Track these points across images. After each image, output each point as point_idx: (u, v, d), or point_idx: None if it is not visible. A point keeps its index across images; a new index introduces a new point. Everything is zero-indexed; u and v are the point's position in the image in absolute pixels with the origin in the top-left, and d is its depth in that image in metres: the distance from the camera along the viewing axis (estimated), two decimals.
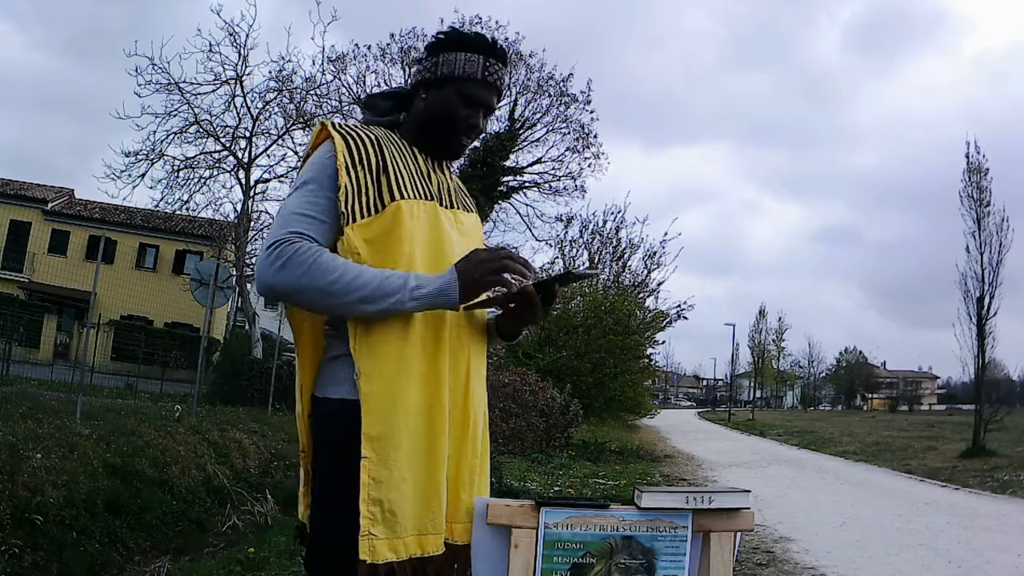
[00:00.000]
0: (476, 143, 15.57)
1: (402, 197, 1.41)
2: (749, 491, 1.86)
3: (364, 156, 1.40)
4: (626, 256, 22.19)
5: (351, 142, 1.41)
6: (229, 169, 15.46)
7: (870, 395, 73.80)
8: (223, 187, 17.78)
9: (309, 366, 1.48)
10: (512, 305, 1.46)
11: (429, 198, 1.47)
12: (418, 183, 1.46)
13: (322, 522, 1.38)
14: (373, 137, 1.45)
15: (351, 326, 1.36)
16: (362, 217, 1.37)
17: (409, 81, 1.60)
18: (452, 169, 1.64)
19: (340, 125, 1.45)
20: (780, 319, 67.65)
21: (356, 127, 1.47)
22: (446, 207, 1.52)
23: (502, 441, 10.36)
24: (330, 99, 16.00)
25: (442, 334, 1.42)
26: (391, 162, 1.43)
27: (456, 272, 1.35)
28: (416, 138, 1.54)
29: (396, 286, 1.31)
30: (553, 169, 18.79)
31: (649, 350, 20.17)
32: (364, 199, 1.38)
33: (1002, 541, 6.30)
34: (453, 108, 1.51)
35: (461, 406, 1.45)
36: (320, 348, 1.47)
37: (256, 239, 15.22)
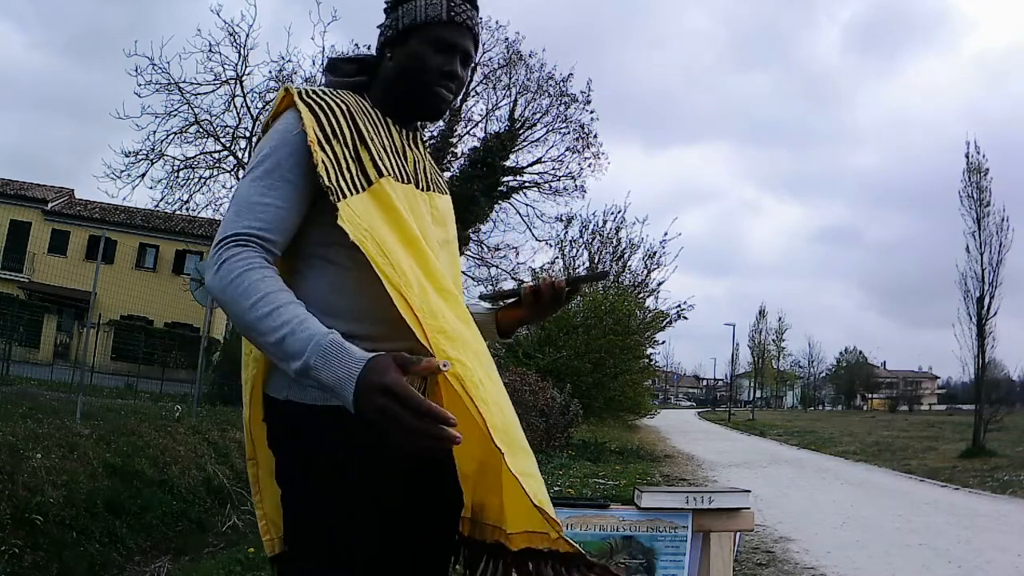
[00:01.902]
0: (476, 143, 15.30)
1: (389, 173, 1.24)
2: (749, 491, 1.86)
3: (338, 129, 1.21)
4: (626, 256, 22.22)
5: (321, 114, 1.21)
6: (229, 169, 15.49)
7: (870, 395, 73.78)
8: (223, 187, 17.77)
9: (263, 361, 1.27)
10: (536, 303, 1.41)
11: (406, 180, 1.29)
12: (395, 161, 1.28)
13: (309, 543, 1.20)
14: (345, 106, 1.25)
15: (408, 309, 1.14)
16: (351, 194, 1.18)
17: (377, 42, 1.40)
18: (425, 145, 1.46)
19: (307, 92, 1.24)
20: (780, 319, 67.70)
21: (325, 93, 1.26)
22: (422, 189, 1.34)
23: None
24: None
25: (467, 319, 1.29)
26: (368, 135, 1.25)
27: (356, 387, 1.00)
28: (387, 105, 1.34)
29: (295, 350, 1.04)
30: (553, 169, 18.79)
31: (649, 350, 20.19)
32: (347, 175, 1.19)
33: (1002, 541, 6.30)
34: (422, 57, 1.32)
35: None
36: None
37: None
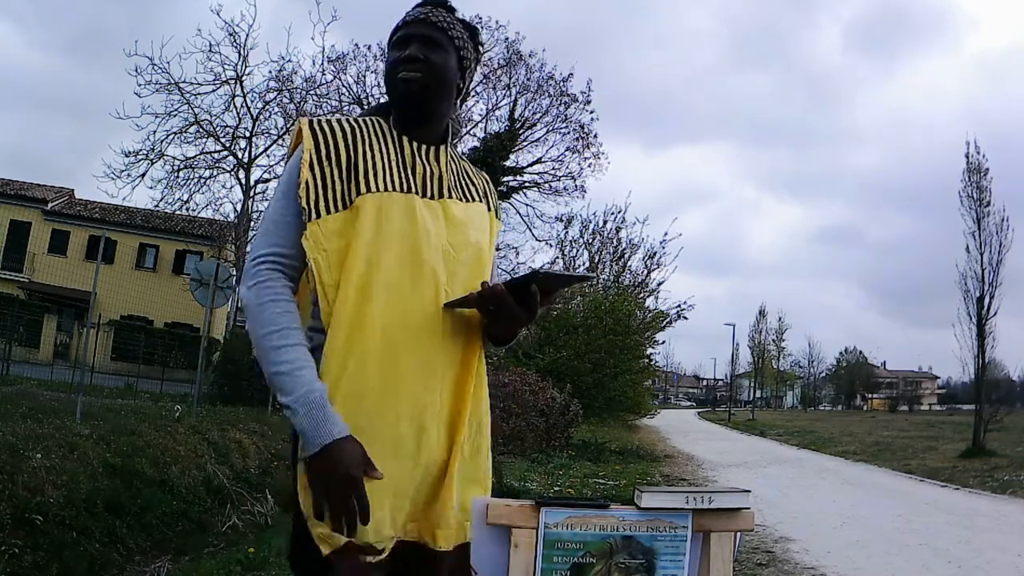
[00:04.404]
0: (476, 143, 15.38)
1: (369, 191, 1.37)
2: (749, 491, 1.86)
3: (333, 151, 1.39)
4: (626, 256, 22.20)
5: (320, 138, 1.40)
6: (229, 169, 15.51)
7: (870, 395, 73.78)
8: (223, 187, 17.87)
9: None
10: (492, 308, 1.38)
11: (406, 190, 1.40)
12: (396, 174, 1.41)
13: (295, 518, 1.36)
14: (348, 129, 1.42)
15: (332, 313, 1.34)
16: (328, 213, 1.35)
17: None
18: (457, 156, 1.56)
19: (315, 122, 1.43)
20: (780, 319, 67.70)
21: (334, 121, 1.45)
22: (430, 197, 1.44)
23: (502, 441, 10.34)
24: (330, 99, 16.00)
25: (430, 325, 1.37)
26: (365, 155, 1.40)
27: (326, 450, 1.23)
28: (396, 119, 1.50)
29: (287, 388, 1.27)
30: (553, 169, 18.78)
31: (649, 350, 20.18)
32: (330, 194, 1.36)
33: (1002, 541, 6.30)
34: (389, 58, 1.50)
35: (450, 406, 1.40)
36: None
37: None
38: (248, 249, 14.71)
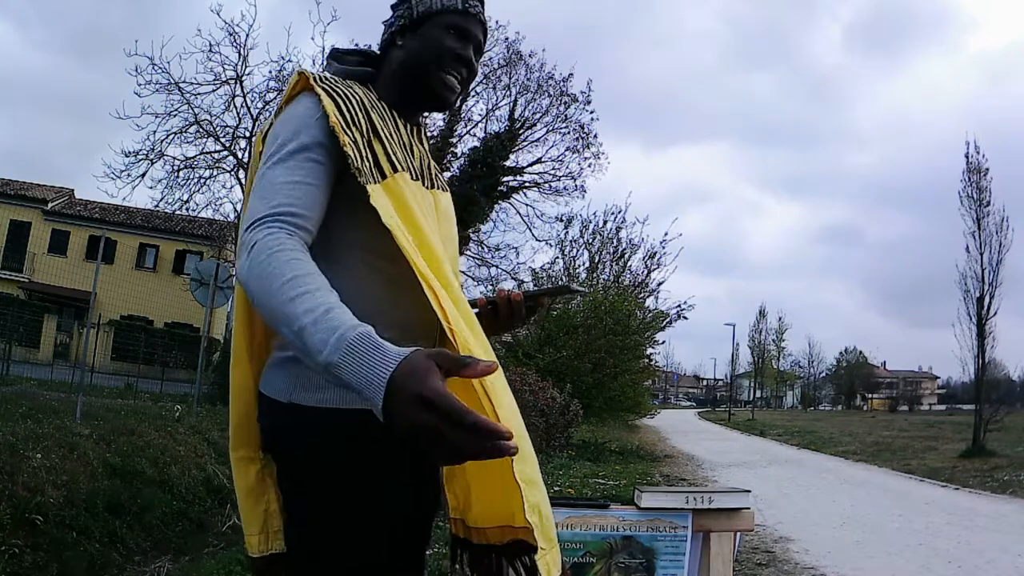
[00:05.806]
0: (476, 142, 15.26)
1: (401, 169, 1.19)
2: (749, 491, 1.86)
3: (354, 117, 1.17)
4: (626, 256, 22.17)
5: (339, 101, 1.16)
6: (229, 169, 15.47)
7: (870, 395, 73.72)
8: (223, 187, 17.82)
9: (256, 359, 1.28)
10: (491, 308, 1.34)
11: (415, 176, 1.25)
12: (405, 157, 1.24)
13: (317, 545, 1.17)
14: (357, 96, 1.21)
15: (438, 304, 1.08)
16: (367, 183, 1.13)
17: (382, 38, 1.37)
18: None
19: (323, 79, 1.20)
20: (780, 319, 68.04)
21: (338, 82, 1.22)
22: (428, 187, 1.30)
23: None
24: None
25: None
26: (379, 127, 1.21)
27: (387, 393, 0.83)
28: (395, 94, 1.31)
29: (316, 344, 0.90)
30: (553, 169, 18.77)
31: (649, 350, 20.14)
32: (366, 164, 1.14)
33: (1002, 541, 6.30)
34: (439, 41, 1.29)
35: None
36: (271, 338, 1.24)
37: None
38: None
